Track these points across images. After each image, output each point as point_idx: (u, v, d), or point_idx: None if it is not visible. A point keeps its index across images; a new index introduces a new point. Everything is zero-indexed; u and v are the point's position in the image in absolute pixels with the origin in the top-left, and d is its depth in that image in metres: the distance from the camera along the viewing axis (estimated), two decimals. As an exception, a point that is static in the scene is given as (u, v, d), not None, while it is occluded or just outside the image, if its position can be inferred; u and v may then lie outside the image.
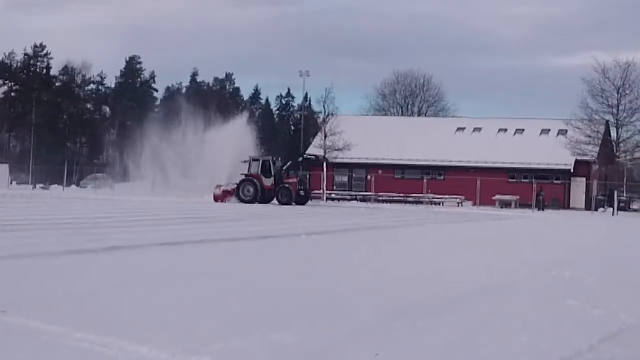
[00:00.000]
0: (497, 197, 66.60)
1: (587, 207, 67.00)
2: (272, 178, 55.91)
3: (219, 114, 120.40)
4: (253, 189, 55.08)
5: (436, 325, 9.56)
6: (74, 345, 7.86)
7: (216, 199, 55.67)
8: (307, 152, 58.67)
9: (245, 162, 57.25)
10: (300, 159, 57.40)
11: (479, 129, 79.36)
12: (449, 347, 8.42)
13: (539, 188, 65.85)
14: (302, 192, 56.73)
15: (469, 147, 74.48)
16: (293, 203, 54.33)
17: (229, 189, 56.25)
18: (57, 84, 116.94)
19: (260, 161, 56.99)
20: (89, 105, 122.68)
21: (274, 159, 57.94)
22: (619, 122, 72.85)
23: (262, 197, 55.01)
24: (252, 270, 14.76)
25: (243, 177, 56.01)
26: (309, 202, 57.60)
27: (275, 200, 55.38)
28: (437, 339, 8.75)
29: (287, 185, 55.74)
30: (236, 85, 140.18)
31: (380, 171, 67.49)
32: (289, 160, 58.46)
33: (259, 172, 56.06)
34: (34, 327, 8.55)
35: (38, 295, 10.79)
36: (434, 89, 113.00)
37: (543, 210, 62.88)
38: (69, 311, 9.63)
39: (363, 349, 8.15)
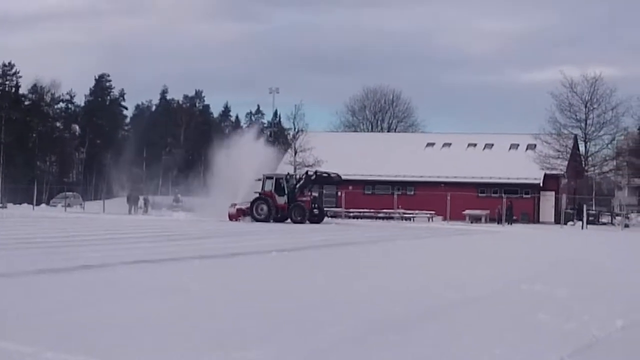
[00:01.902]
0: (467, 212, 66.75)
1: (557, 221, 67.26)
2: (286, 196, 54.69)
3: (189, 131, 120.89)
4: (266, 208, 53.62)
5: (408, 339, 9.58)
6: (46, 365, 7.83)
7: (231, 217, 54.29)
8: (319, 169, 57.05)
9: (259, 180, 55.73)
10: (314, 176, 55.81)
11: (449, 144, 79.64)
12: (422, 362, 8.47)
13: (498, 204, 66.18)
14: (316, 211, 55.20)
15: (439, 162, 74.71)
16: (307, 221, 52.86)
17: (244, 207, 54.79)
18: (26, 102, 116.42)
19: (274, 179, 55.65)
20: (58, 124, 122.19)
21: (288, 176, 56.71)
22: (587, 136, 73.26)
23: (276, 215, 53.67)
24: (226, 287, 14.76)
25: (257, 195, 54.61)
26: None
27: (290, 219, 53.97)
28: (410, 353, 8.79)
29: (301, 203, 54.42)
30: (206, 102, 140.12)
31: (350, 187, 67.47)
32: (302, 178, 56.75)
33: (273, 190, 54.70)
34: (4, 347, 8.51)
35: (8, 315, 10.73)
36: (404, 104, 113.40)
37: (500, 223, 63.15)
38: (40, 331, 9.58)
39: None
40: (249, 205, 54.46)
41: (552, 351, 9.10)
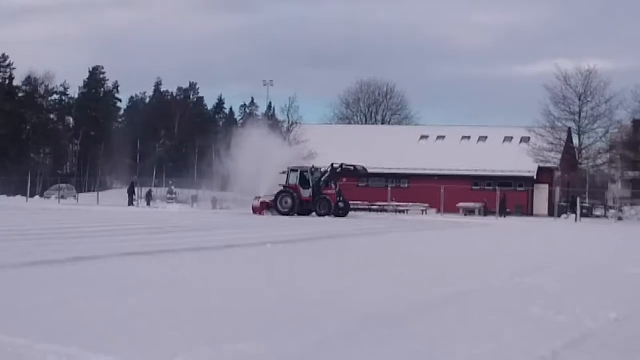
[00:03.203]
0: (461, 204, 66.83)
1: (551, 213, 67.37)
2: (311, 189, 54.31)
3: (183, 123, 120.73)
4: (291, 201, 53.38)
5: (401, 333, 9.58)
6: (38, 357, 7.82)
7: (255, 211, 53.86)
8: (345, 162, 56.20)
9: (283, 173, 55.34)
10: (339, 169, 55.04)
11: (443, 137, 79.79)
12: (414, 355, 8.46)
13: (484, 199, 66.33)
14: (341, 204, 54.56)
15: (432, 155, 74.85)
16: (332, 215, 52.53)
17: (268, 200, 54.33)
18: (20, 94, 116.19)
19: (299, 172, 55.27)
20: (52, 116, 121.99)
21: (313, 169, 56.17)
22: (581, 129, 73.45)
23: (301, 209, 53.33)
24: (219, 279, 14.75)
25: (281, 188, 54.22)
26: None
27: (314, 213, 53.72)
28: (403, 347, 8.79)
29: (326, 196, 54.08)
30: (200, 95, 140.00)
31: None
32: (327, 171, 56.08)
33: (297, 183, 54.43)
34: (-3, 339, 8.50)
35: (1, 307, 10.72)
36: (398, 97, 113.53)
37: (485, 216, 63.39)
38: (33, 323, 9.57)
39: (330, 358, 8.18)
40: (273, 198, 53.97)
41: (545, 344, 9.09)
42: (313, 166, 56.53)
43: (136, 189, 72.68)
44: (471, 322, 10.54)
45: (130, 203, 68.82)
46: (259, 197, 54.92)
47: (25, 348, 8.15)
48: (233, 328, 9.58)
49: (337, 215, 52.63)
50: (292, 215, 52.02)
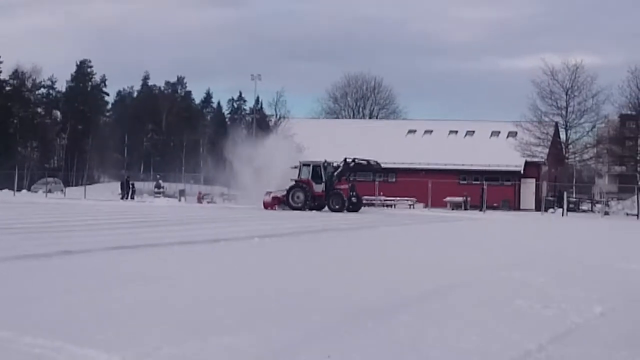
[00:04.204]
0: (448, 199, 66.94)
1: (537, 208, 67.51)
2: (323, 184, 53.42)
3: (171, 117, 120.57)
4: (303, 196, 52.67)
5: (387, 326, 9.60)
6: (24, 350, 7.82)
7: (266, 206, 52.99)
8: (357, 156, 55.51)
9: (295, 167, 55.06)
10: (352, 163, 54.46)
11: (430, 132, 79.85)
12: (400, 348, 8.49)
13: (464, 193, 66.58)
14: (354, 199, 53.92)
15: (420, 149, 74.86)
16: (345, 210, 51.87)
17: (279, 195, 53.58)
18: (7, 88, 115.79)
19: (311, 166, 54.26)
20: (39, 110, 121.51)
21: (325, 164, 54.85)
22: (568, 124, 73.58)
23: (313, 203, 52.75)
24: (205, 273, 14.77)
25: (293, 183, 53.60)
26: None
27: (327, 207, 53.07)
28: (388, 340, 8.81)
29: (338, 191, 53.33)
30: (188, 89, 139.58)
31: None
32: (340, 166, 55.20)
33: (310, 177, 53.59)
34: (-18, 332, 8.49)
35: (-13, 301, 10.72)
36: (385, 91, 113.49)
37: (466, 210, 63.74)
38: (18, 316, 9.57)
39: (316, 350, 8.20)
40: (284, 193, 53.44)
41: (530, 338, 9.13)
42: (325, 160, 55.35)
43: (130, 183, 72.12)
44: (457, 316, 10.57)
45: (124, 197, 68.40)
46: (270, 192, 54.22)
47: (10, 341, 8.15)
48: (219, 321, 9.58)
49: (350, 210, 52.10)
50: (304, 209, 51.49)
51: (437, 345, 8.67)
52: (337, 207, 52.34)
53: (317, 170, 54.02)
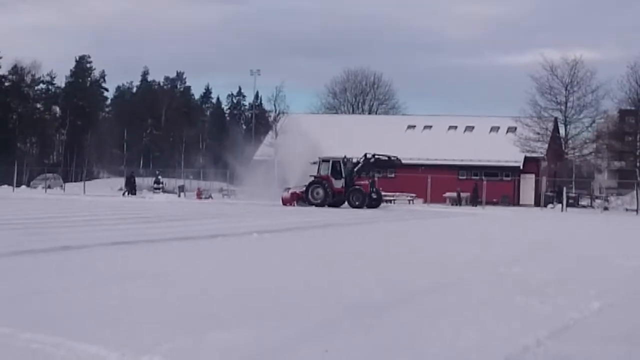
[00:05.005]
0: (448, 194, 66.98)
1: (537, 203, 67.58)
2: (343, 180, 52.96)
3: (170, 112, 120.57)
4: (323, 192, 52.21)
5: (385, 322, 9.62)
6: (22, 346, 7.82)
7: (284, 202, 52.74)
8: (377, 152, 54.99)
9: (314, 163, 54.43)
10: (372, 159, 54.09)
11: (430, 127, 79.81)
12: (398, 344, 8.49)
13: (458, 188, 66.65)
14: (374, 195, 53.38)
15: (419, 144, 74.83)
16: (365, 206, 51.62)
17: (298, 191, 53.36)
18: (6, 83, 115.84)
19: (331, 162, 53.84)
20: (38, 105, 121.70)
21: (345, 159, 54.41)
22: (567, 119, 73.60)
23: (332, 200, 52.19)
24: (203, 269, 14.77)
25: (312, 179, 53.18)
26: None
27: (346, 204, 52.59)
28: (386, 336, 8.82)
29: (359, 187, 52.79)
30: (187, 84, 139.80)
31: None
32: (359, 162, 54.80)
33: (329, 173, 53.13)
34: (-20, 328, 8.50)
35: (-14, 297, 10.73)
36: (385, 87, 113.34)
37: (460, 205, 63.88)
38: (17, 312, 9.58)
39: (314, 346, 8.20)
40: (303, 189, 53.15)
41: (528, 333, 9.13)
42: (345, 156, 54.86)
43: (135, 179, 71.84)
44: (455, 312, 10.58)
45: (128, 193, 68.14)
46: (289, 188, 54.17)
47: (9, 337, 8.15)
48: (217, 317, 9.59)
49: (369, 207, 51.65)
50: (324, 206, 51.04)
51: (434, 341, 8.67)
52: (357, 203, 51.91)
53: (337, 166, 53.60)
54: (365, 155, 55.07)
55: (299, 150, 58.66)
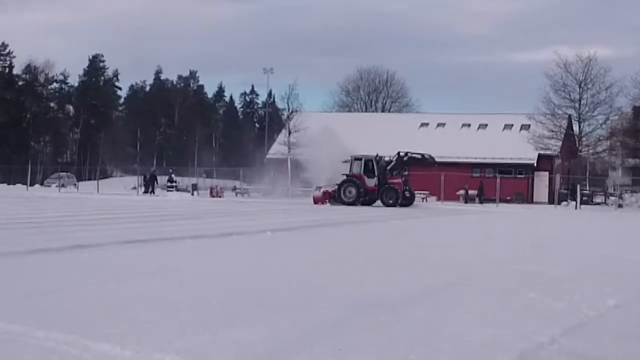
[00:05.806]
0: (461, 192, 66.88)
1: (551, 201, 67.35)
2: (376, 178, 52.65)
3: (183, 111, 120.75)
4: (355, 190, 51.90)
5: (399, 319, 9.60)
6: (37, 344, 7.84)
7: (316, 201, 52.51)
8: (410, 150, 54.59)
9: (346, 161, 54.16)
10: (405, 157, 53.83)
11: (443, 125, 79.66)
12: (412, 341, 8.47)
13: (465, 184, 66.55)
14: (407, 193, 53.32)
15: (433, 142, 74.50)
16: (398, 205, 51.04)
17: (330, 190, 53.02)
18: (20, 83, 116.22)
19: (363, 160, 53.45)
20: (52, 104, 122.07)
21: (377, 157, 53.98)
22: (581, 116, 73.36)
23: (365, 198, 52.29)
24: (216, 267, 14.76)
25: (344, 177, 53.08)
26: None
27: (378, 202, 52.50)
28: (400, 333, 8.80)
29: (392, 185, 52.44)
30: (200, 83, 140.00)
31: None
32: (392, 160, 54.52)
33: (362, 172, 52.84)
34: (-4, 326, 8.51)
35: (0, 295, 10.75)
36: (398, 85, 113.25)
37: (466, 202, 63.86)
38: (32, 310, 9.60)
39: (327, 344, 8.19)
40: (335, 187, 52.90)
41: (543, 330, 9.11)
42: (377, 154, 54.46)
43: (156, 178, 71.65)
44: (469, 308, 10.55)
45: (151, 192, 67.98)
46: (321, 187, 53.96)
47: (24, 335, 8.17)
48: (229, 315, 9.60)
49: (402, 205, 51.27)
50: (356, 204, 50.70)
51: (448, 338, 8.65)
52: (390, 201, 51.69)
53: (369, 164, 53.32)
54: (398, 153, 54.82)
55: (323, 149, 58.37)
